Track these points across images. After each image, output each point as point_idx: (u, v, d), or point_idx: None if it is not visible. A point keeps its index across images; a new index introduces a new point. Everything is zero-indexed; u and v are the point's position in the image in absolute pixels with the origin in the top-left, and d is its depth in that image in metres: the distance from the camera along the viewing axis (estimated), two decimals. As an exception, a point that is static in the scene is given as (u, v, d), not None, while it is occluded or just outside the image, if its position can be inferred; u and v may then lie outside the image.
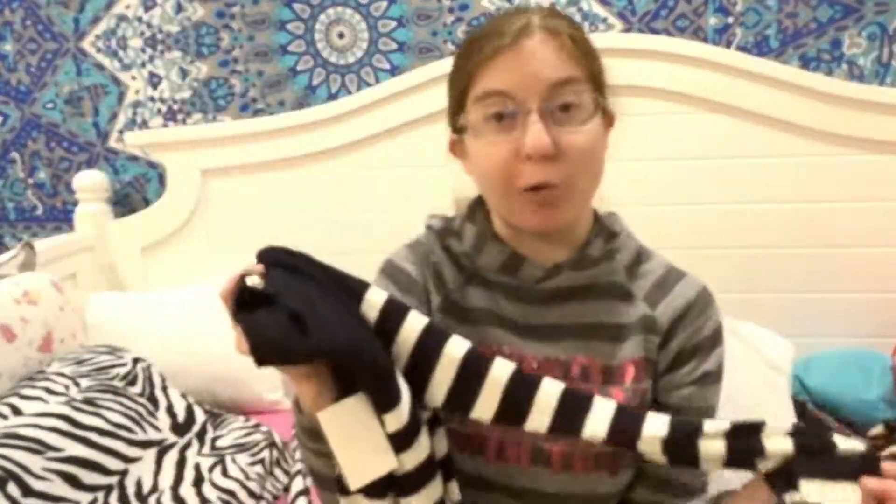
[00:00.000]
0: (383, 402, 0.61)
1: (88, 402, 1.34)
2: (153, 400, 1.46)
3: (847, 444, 0.62)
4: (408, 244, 0.85)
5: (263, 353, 0.59)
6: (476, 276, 0.80)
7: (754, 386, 1.34)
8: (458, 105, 0.75)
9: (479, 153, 0.73)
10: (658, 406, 0.77)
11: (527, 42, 0.69)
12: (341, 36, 1.89)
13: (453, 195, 0.87)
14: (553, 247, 0.77)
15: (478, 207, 0.82)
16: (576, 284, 0.77)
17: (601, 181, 0.76)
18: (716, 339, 0.78)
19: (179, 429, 1.45)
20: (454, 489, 0.69)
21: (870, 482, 0.59)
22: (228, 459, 1.40)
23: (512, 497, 0.75)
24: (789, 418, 1.38)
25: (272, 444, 1.49)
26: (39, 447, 1.20)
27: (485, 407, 0.66)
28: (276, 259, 0.64)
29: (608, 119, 0.77)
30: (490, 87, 0.70)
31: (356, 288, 0.66)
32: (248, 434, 1.51)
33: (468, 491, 0.73)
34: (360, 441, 0.61)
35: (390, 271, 0.82)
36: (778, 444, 0.63)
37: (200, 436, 1.47)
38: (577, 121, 0.70)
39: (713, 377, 0.77)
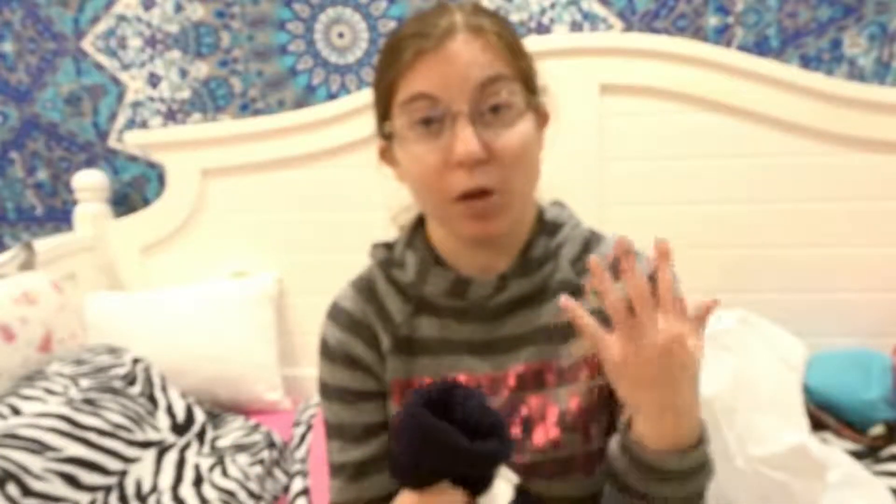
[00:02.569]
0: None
1: (88, 402, 1.34)
2: (153, 400, 1.46)
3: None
4: (352, 282, 0.84)
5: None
6: (424, 304, 0.79)
7: (768, 379, 1.34)
8: (383, 111, 0.73)
9: (409, 162, 0.70)
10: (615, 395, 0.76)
11: (450, 43, 0.67)
12: (341, 36, 1.89)
13: (391, 212, 0.85)
14: (495, 253, 0.76)
15: (416, 231, 0.81)
16: (525, 293, 0.76)
17: (538, 182, 0.75)
18: None
19: (179, 429, 1.45)
20: None
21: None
22: (228, 460, 1.39)
23: None
24: (802, 418, 1.37)
25: (272, 445, 1.49)
26: (39, 447, 1.20)
27: None
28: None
29: (542, 118, 0.75)
30: (415, 91, 0.67)
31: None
32: (248, 434, 1.51)
33: None
34: None
35: (335, 314, 0.82)
36: None
37: (200, 436, 1.47)
38: (507, 121, 0.68)
39: None
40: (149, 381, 1.50)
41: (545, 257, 0.77)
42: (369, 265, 0.84)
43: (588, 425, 0.75)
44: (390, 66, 0.70)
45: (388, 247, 0.83)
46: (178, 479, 1.33)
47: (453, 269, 0.77)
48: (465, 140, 0.65)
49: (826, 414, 1.47)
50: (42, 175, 2.07)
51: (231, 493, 1.31)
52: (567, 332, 0.75)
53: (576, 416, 0.75)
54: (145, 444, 1.36)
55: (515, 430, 0.75)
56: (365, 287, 0.82)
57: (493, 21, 0.70)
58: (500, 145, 0.67)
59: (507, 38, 0.69)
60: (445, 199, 0.69)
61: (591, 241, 0.80)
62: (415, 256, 0.78)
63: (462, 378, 0.76)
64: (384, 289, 0.81)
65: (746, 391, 1.23)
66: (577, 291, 0.76)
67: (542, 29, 1.80)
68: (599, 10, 1.77)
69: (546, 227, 0.78)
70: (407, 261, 0.79)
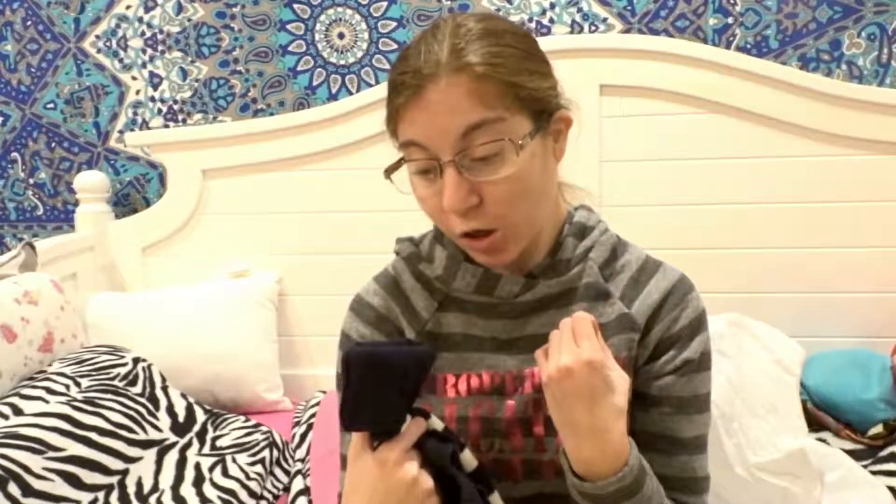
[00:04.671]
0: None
1: (89, 401, 1.34)
2: (153, 400, 1.46)
3: None
4: (376, 277, 0.84)
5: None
6: (450, 299, 0.79)
7: (764, 383, 1.34)
8: (394, 137, 0.74)
9: (417, 199, 0.73)
10: (639, 398, 0.76)
11: (433, 90, 0.66)
12: (341, 36, 1.89)
13: None
14: (524, 256, 0.76)
15: None
16: (553, 292, 0.76)
17: (552, 195, 0.75)
18: (696, 327, 0.76)
19: (180, 428, 1.45)
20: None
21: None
22: (229, 459, 1.40)
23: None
24: (799, 420, 1.37)
25: (272, 444, 1.49)
26: (40, 447, 1.20)
27: None
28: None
29: (560, 127, 0.73)
30: (407, 138, 0.69)
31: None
32: (248, 434, 1.51)
33: None
34: None
35: (358, 308, 0.82)
36: None
37: (201, 436, 1.47)
38: (496, 166, 0.67)
39: (695, 365, 0.76)
40: (150, 381, 1.50)
41: (575, 259, 0.77)
42: (392, 260, 0.84)
43: None
44: (390, 104, 0.72)
45: (414, 241, 0.83)
46: (179, 478, 1.33)
47: (482, 266, 0.77)
48: (450, 193, 0.67)
49: (825, 414, 1.48)
50: (43, 175, 2.07)
51: (231, 493, 1.31)
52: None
53: None
54: (146, 444, 1.36)
55: (538, 429, 0.74)
56: (390, 282, 0.83)
57: (489, 45, 0.67)
58: (490, 190, 0.68)
59: (499, 69, 0.67)
60: (453, 234, 0.72)
61: (617, 248, 0.80)
62: (444, 251, 0.79)
63: (486, 375, 0.77)
64: (410, 283, 0.81)
65: (743, 397, 1.23)
66: (603, 295, 0.76)
67: (542, 29, 1.80)
68: (599, 10, 1.78)
69: (575, 229, 0.78)
70: (436, 255, 0.80)
